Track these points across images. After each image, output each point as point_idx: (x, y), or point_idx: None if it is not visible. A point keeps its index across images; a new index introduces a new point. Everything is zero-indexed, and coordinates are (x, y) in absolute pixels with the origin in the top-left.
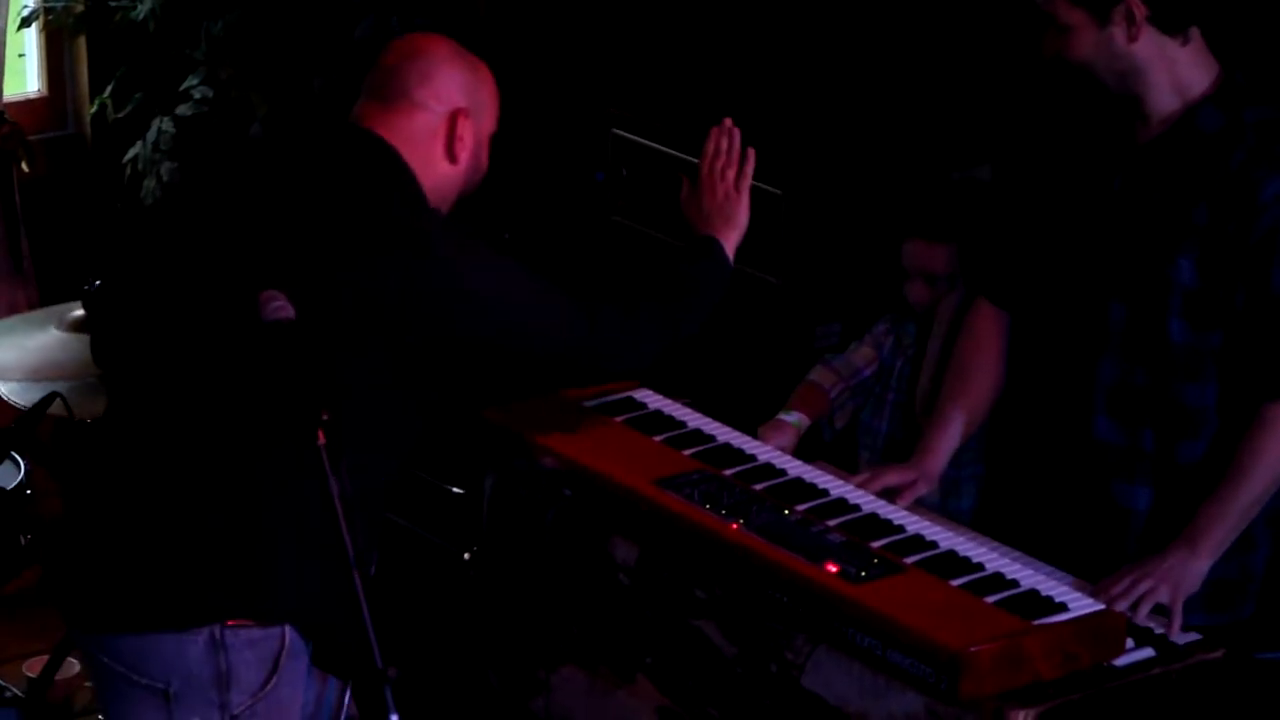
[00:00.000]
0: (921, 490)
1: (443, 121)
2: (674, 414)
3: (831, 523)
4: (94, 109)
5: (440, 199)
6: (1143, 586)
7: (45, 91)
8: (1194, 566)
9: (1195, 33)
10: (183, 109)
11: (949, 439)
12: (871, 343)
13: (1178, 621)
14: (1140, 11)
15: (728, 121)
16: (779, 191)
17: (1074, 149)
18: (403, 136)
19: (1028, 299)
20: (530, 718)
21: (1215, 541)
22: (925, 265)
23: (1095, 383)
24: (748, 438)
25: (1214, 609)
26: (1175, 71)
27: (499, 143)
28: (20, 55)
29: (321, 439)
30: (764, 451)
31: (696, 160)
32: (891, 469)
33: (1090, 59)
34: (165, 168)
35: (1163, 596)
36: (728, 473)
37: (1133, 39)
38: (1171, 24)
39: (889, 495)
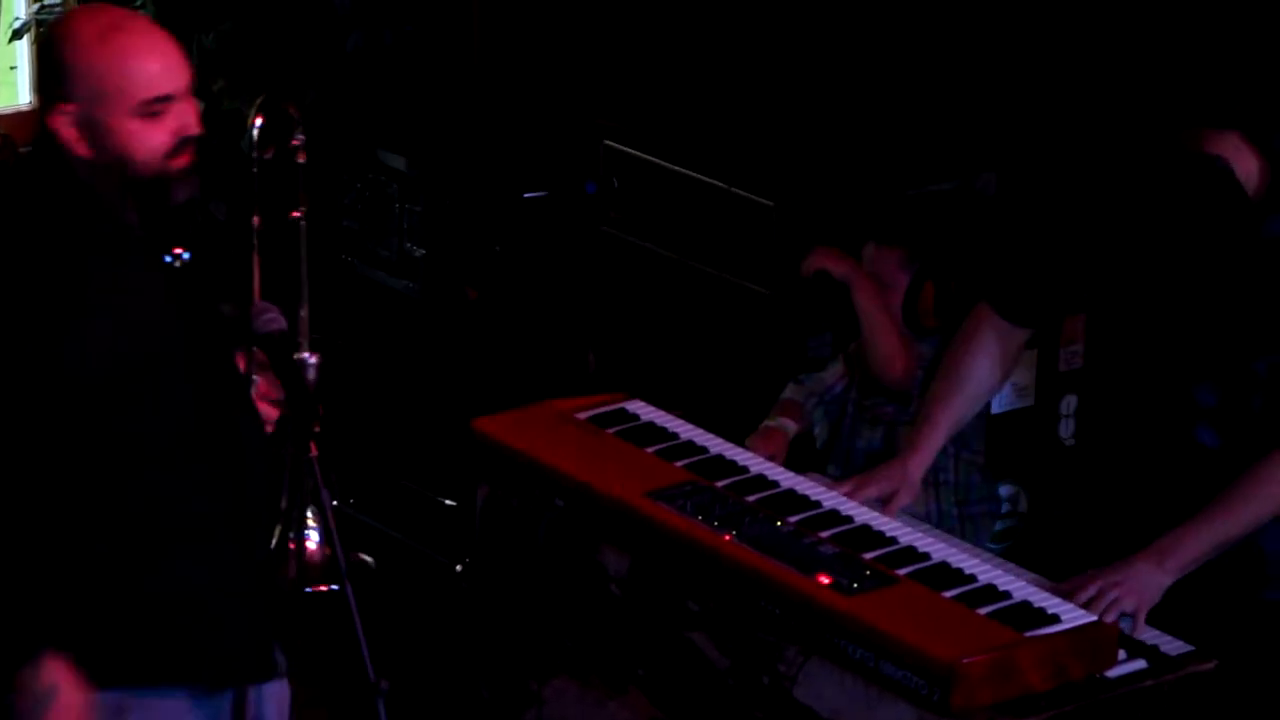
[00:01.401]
0: (905, 500)
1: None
2: (666, 425)
3: (824, 534)
4: None
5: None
6: (1110, 595)
7: (37, 103)
8: (1157, 579)
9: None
10: None
11: (931, 445)
12: (844, 359)
13: (1140, 629)
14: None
15: None
16: (770, 203)
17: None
18: None
19: (1042, 317)
20: None
21: (1184, 561)
22: (878, 269)
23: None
24: (740, 449)
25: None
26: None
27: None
28: (12, 68)
29: (314, 451)
30: (756, 463)
31: (686, 171)
32: (874, 480)
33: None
34: None
35: (1128, 606)
36: (720, 484)
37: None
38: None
39: (874, 506)
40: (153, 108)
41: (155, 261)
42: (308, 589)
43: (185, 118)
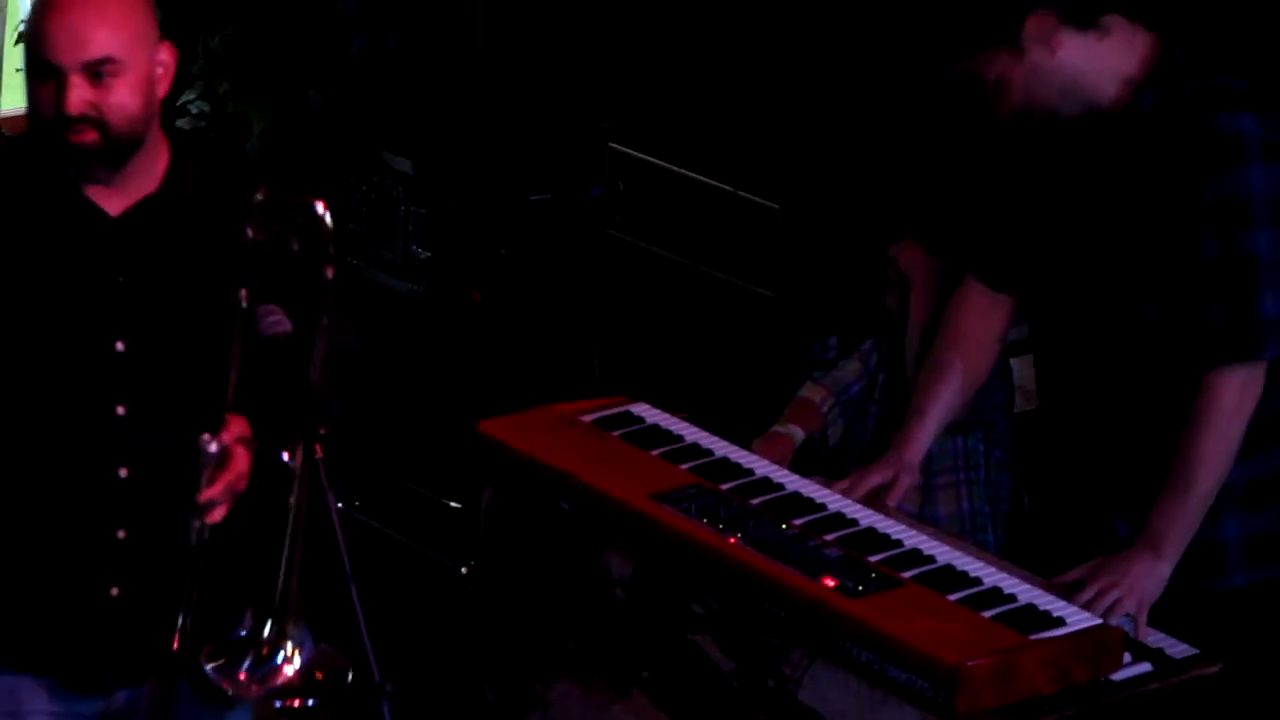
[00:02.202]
0: (906, 482)
1: None
2: (671, 428)
3: (829, 537)
4: None
5: None
6: (1110, 597)
7: None
8: (1158, 573)
9: (1112, 20)
10: (180, 123)
11: (926, 428)
12: (859, 358)
13: (1143, 631)
14: (1048, 23)
15: None
16: (776, 206)
17: (1056, 137)
18: None
19: (1026, 283)
20: None
21: (1177, 542)
22: (903, 266)
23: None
24: (745, 452)
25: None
26: (1105, 64)
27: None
28: (18, 70)
29: (319, 453)
30: (761, 465)
31: (691, 174)
32: (873, 470)
33: (1034, 95)
34: None
35: (1129, 607)
36: (725, 487)
37: (1053, 52)
38: (1082, 20)
39: (877, 495)
40: (39, 69)
41: (86, 232)
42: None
43: (61, 96)
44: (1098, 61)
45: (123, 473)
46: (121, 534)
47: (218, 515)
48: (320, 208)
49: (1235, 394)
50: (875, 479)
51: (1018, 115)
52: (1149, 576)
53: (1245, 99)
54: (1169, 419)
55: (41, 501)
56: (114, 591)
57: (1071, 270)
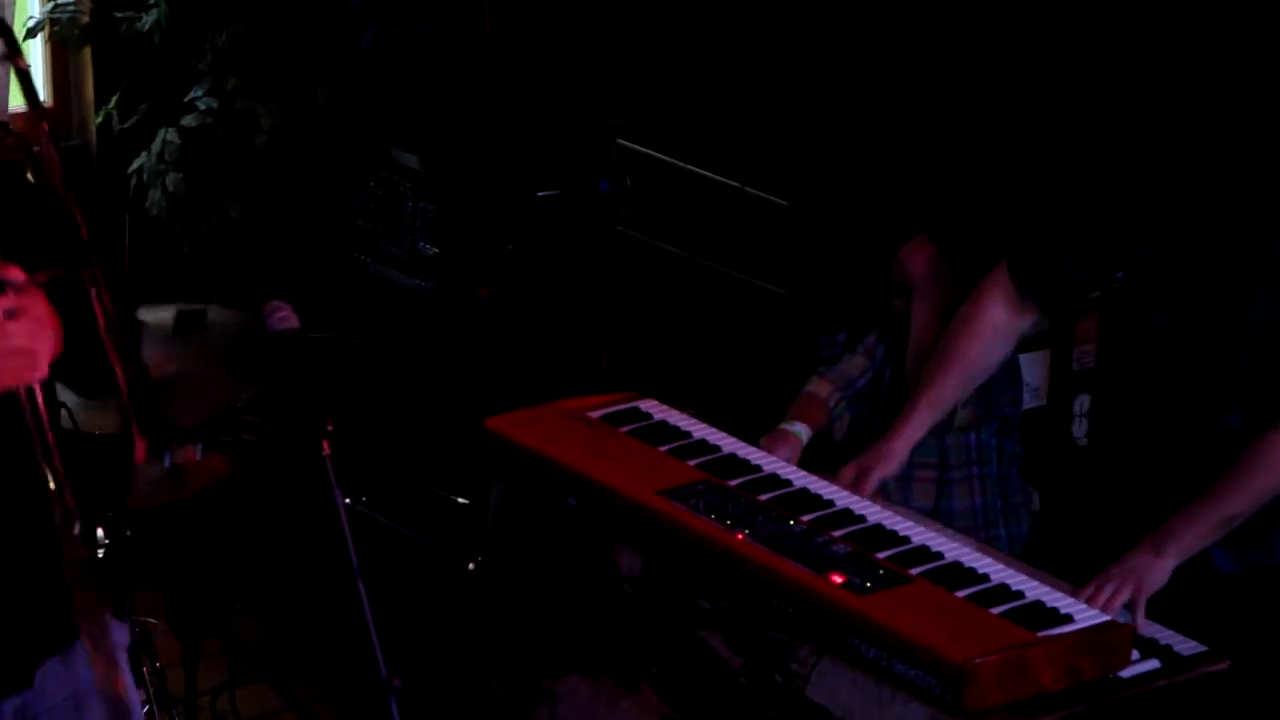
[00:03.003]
0: (883, 471)
1: None
2: (679, 424)
3: (837, 533)
4: (99, 120)
5: None
6: (1109, 588)
7: (50, 103)
8: (1158, 565)
9: None
10: (188, 120)
11: (918, 422)
12: (864, 353)
13: (1140, 618)
14: None
15: None
16: (785, 203)
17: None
18: None
19: (1075, 306)
20: None
21: (1183, 547)
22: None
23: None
24: (753, 448)
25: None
26: None
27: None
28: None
29: (326, 449)
30: (769, 462)
31: (699, 170)
32: (860, 458)
33: None
34: (171, 179)
35: (1126, 596)
36: (733, 483)
37: None
38: None
39: (858, 480)
40: None
41: None
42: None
43: None
44: None
45: None
46: None
47: None
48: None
49: None
50: (850, 470)
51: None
52: (1148, 569)
53: None
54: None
55: None
56: None
57: (1221, 329)
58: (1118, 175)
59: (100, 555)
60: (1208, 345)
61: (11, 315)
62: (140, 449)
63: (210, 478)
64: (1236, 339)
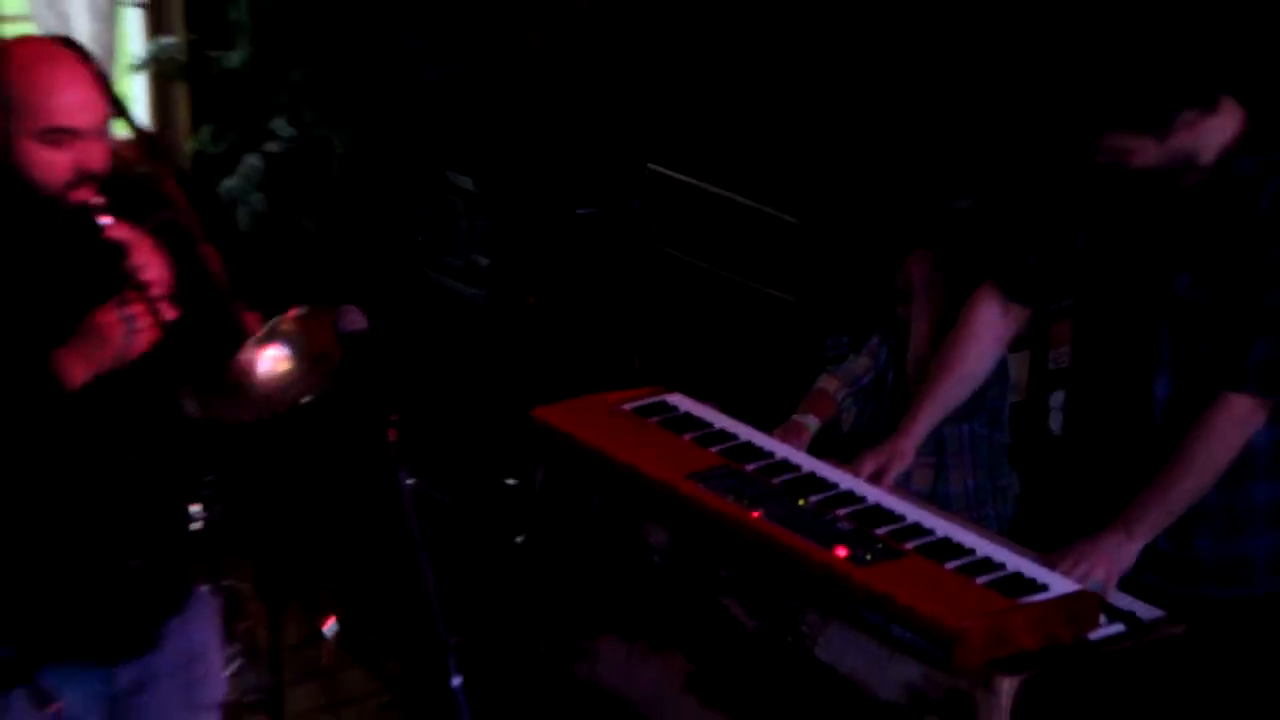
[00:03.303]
0: (896, 469)
1: None
2: (702, 416)
3: (841, 512)
4: (193, 146)
5: None
6: (1083, 567)
7: (152, 130)
8: (1128, 548)
9: (1226, 99)
10: (270, 146)
11: (924, 419)
12: (868, 353)
13: (1111, 594)
14: (1194, 114)
15: None
16: (795, 220)
17: (1120, 188)
18: None
19: (1046, 298)
20: (574, 680)
21: (1150, 526)
22: (912, 277)
23: (1152, 411)
24: (767, 437)
25: (1225, 585)
26: (1211, 130)
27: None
28: (130, 98)
29: (392, 436)
30: (781, 449)
31: (719, 192)
32: (868, 456)
33: (1154, 164)
34: (255, 199)
35: (1099, 575)
36: (749, 468)
37: (1191, 134)
38: (1209, 103)
39: (878, 476)
40: (54, 135)
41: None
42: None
43: (87, 155)
44: (1208, 137)
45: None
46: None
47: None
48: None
49: (1241, 418)
50: (869, 466)
51: (1115, 168)
52: (1119, 551)
53: None
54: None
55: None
56: (134, 562)
57: (1132, 303)
58: (1061, 192)
59: (198, 526)
60: (1137, 322)
61: (129, 323)
62: (253, 319)
63: (305, 391)
64: (1160, 312)
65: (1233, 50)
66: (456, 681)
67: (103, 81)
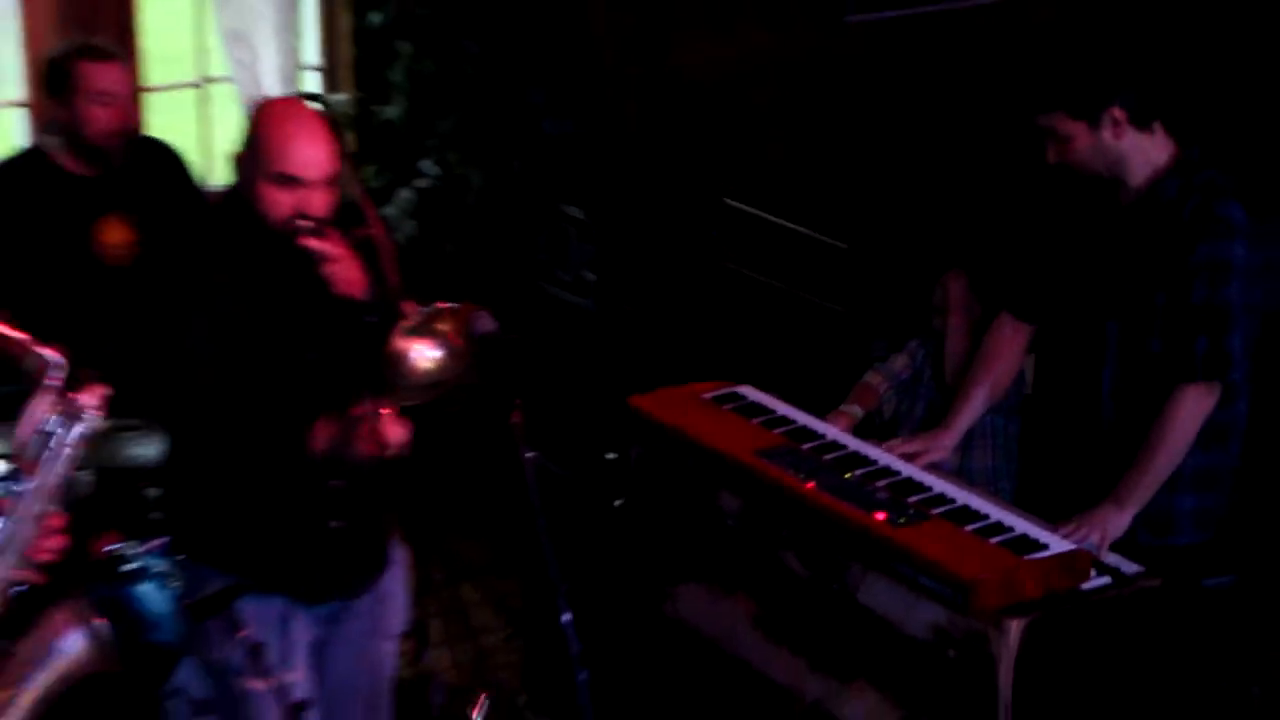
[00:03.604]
0: (934, 456)
1: None
2: (767, 404)
3: (880, 484)
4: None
5: None
6: (1082, 532)
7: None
8: (1119, 518)
9: (1158, 125)
10: (420, 183)
11: (963, 420)
12: (908, 354)
13: (1104, 554)
14: (1121, 115)
15: None
16: (844, 246)
17: (1078, 210)
18: None
19: (1047, 316)
20: (662, 618)
21: (1137, 499)
22: (949, 294)
23: (1100, 395)
24: (820, 421)
25: (1158, 535)
26: (1145, 148)
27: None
28: None
29: (516, 418)
30: (832, 432)
31: (781, 222)
32: (916, 439)
33: (1088, 159)
34: (407, 225)
35: (1095, 538)
36: (805, 447)
37: (1117, 137)
38: (1143, 121)
39: (911, 457)
40: (284, 181)
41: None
42: None
43: (307, 201)
44: (1140, 154)
45: None
46: (335, 483)
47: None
48: None
49: (1199, 403)
50: (914, 446)
51: (1065, 166)
52: (1112, 519)
53: (1233, 191)
54: (1136, 416)
55: (287, 466)
56: (332, 524)
57: (1088, 307)
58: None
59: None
60: (1089, 321)
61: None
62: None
63: (447, 380)
64: (1107, 312)
65: (1174, 87)
66: (566, 618)
67: (335, 142)
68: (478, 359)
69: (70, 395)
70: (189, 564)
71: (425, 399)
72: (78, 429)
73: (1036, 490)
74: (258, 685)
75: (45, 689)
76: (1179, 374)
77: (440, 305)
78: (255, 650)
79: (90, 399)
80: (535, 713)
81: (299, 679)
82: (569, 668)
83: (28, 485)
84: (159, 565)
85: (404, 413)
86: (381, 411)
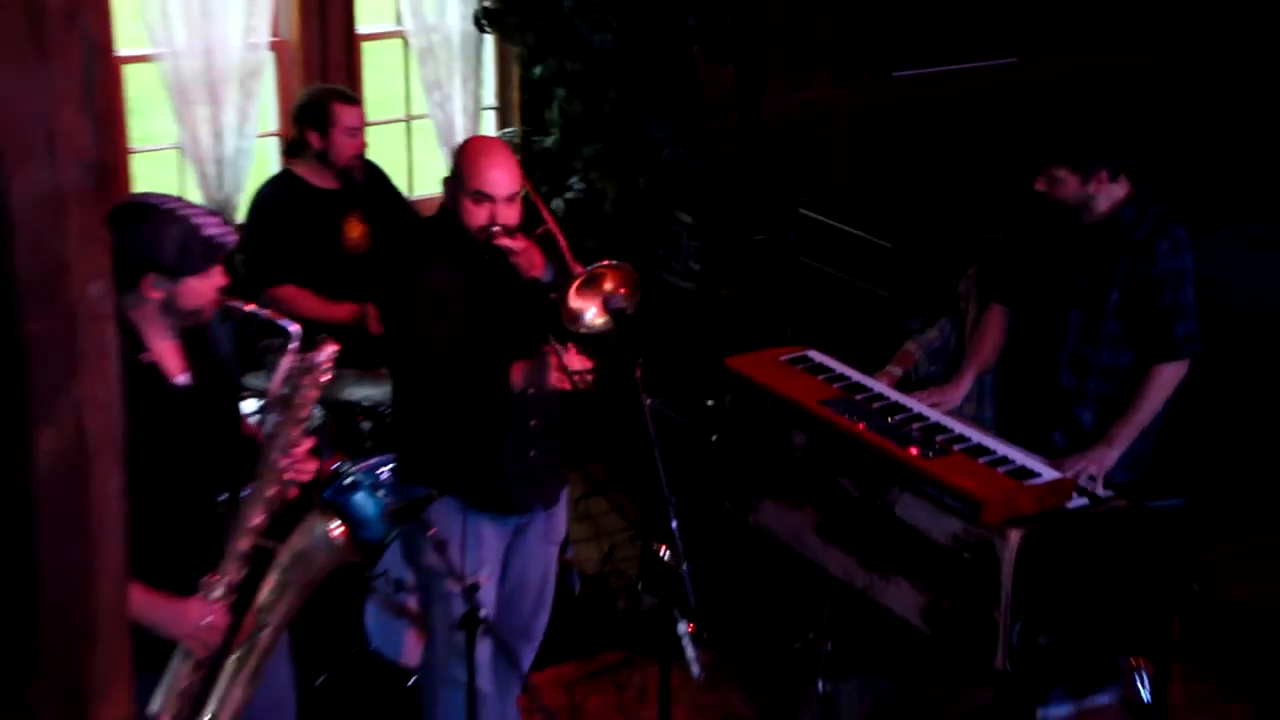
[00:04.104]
0: (947, 406)
1: None
2: (829, 364)
3: (914, 426)
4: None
5: None
6: (1079, 465)
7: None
8: (1110, 455)
9: (1121, 174)
10: (569, 195)
11: (966, 379)
12: (938, 329)
13: (1100, 486)
14: (1105, 175)
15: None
16: (889, 245)
17: (1051, 229)
18: None
19: (1024, 304)
20: (746, 525)
21: (1123, 441)
22: (970, 285)
23: (1059, 361)
24: (869, 378)
25: (1128, 474)
26: (1111, 192)
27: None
28: None
29: (639, 373)
30: (878, 386)
31: (842, 226)
32: (932, 392)
33: (1069, 196)
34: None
35: (1092, 470)
36: (858, 397)
37: (1096, 188)
38: (1115, 174)
39: (934, 406)
40: (480, 198)
41: (483, 273)
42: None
43: (499, 214)
44: (1107, 195)
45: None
46: (533, 422)
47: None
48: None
49: (1175, 374)
50: (933, 398)
51: (1057, 202)
52: (1105, 456)
53: (1175, 216)
54: (1083, 380)
55: (499, 411)
56: (531, 454)
57: (1055, 299)
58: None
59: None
60: (1053, 308)
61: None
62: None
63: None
64: (1068, 301)
65: (1132, 150)
66: (674, 524)
67: (517, 166)
68: (612, 326)
69: (310, 353)
70: (396, 481)
71: (602, 331)
72: (315, 377)
73: (1009, 431)
74: (443, 572)
75: (304, 583)
76: (1161, 355)
77: (602, 263)
78: (440, 546)
79: (324, 354)
80: (650, 595)
81: (488, 578)
82: (675, 562)
83: (283, 419)
84: (369, 480)
85: (583, 351)
86: (564, 350)
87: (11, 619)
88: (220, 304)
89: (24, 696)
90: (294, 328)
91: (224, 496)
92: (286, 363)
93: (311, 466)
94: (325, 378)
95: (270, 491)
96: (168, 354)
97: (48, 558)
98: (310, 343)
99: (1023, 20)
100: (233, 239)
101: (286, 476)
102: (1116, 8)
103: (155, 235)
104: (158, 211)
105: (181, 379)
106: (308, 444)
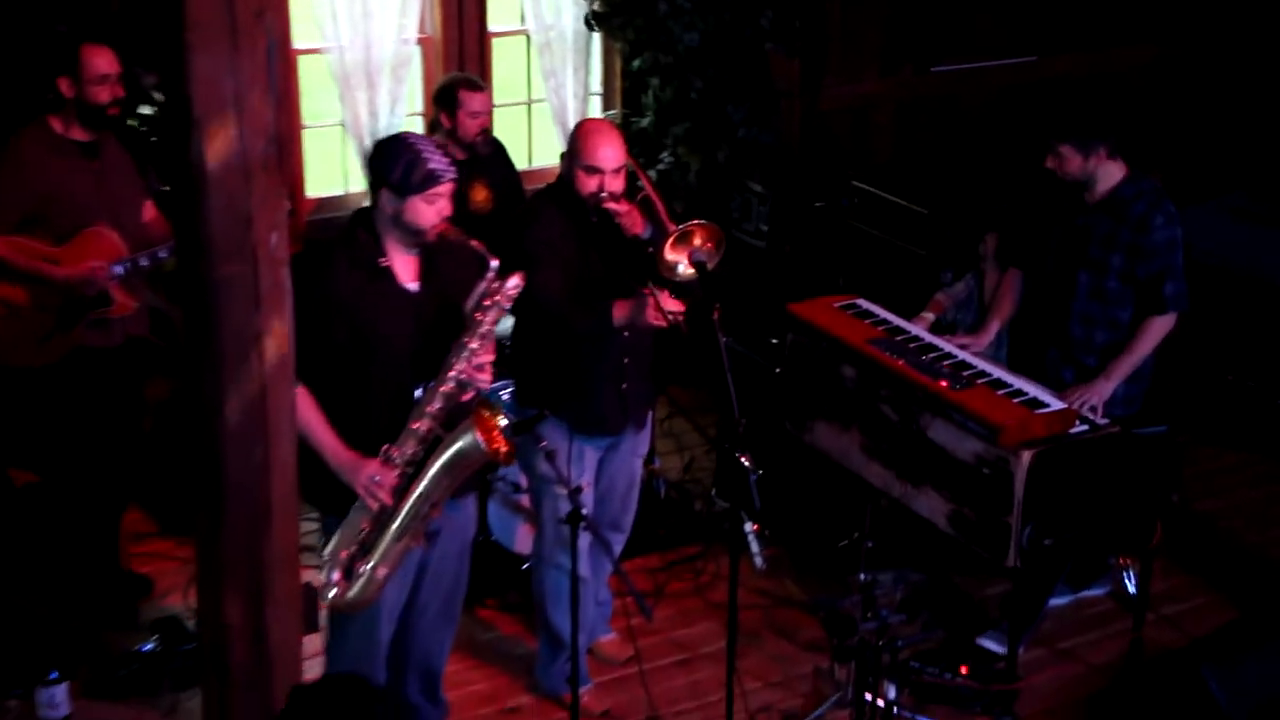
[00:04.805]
0: (976, 348)
1: None
2: (875, 310)
3: (945, 363)
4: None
5: None
6: (1081, 396)
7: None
8: (1106, 386)
9: (1119, 154)
10: (661, 167)
11: (992, 328)
12: (964, 283)
13: (1099, 416)
14: (1104, 151)
15: None
16: (926, 212)
17: (1060, 204)
18: None
19: (1039, 269)
20: (802, 442)
21: (1118, 375)
22: (990, 247)
23: (1070, 314)
24: (908, 322)
25: (1126, 410)
26: (1110, 172)
27: (797, 185)
28: None
29: (716, 314)
30: (915, 329)
31: (888, 196)
32: (966, 336)
33: (1074, 172)
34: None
35: (1093, 400)
36: (898, 338)
37: (1097, 164)
38: (1114, 155)
39: (964, 347)
40: (591, 170)
41: (590, 231)
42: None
43: (608, 183)
44: (1107, 174)
45: (625, 334)
46: (626, 360)
47: None
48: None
49: (1165, 325)
50: (966, 340)
51: (1064, 177)
52: (1103, 388)
53: (1167, 193)
54: (1091, 330)
55: (600, 346)
56: (624, 386)
57: (1066, 262)
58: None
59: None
60: (1064, 271)
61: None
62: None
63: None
64: (1077, 264)
65: (1127, 131)
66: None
67: (624, 145)
68: (695, 278)
69: (499, 281)
70: (514, 401)
71: (689, 280)
72: (500, 301)
73: (1025, 368)
74: (552, 478)
75: (455, 468)
76: (1154, 309)
77: (693, 221)
78: (550, 456)
79: (511, 284)
80: (723, 500)
81: (588, 484)
82: (745, 472)
83: (469, 332)
84: (493, 400)
85: (676, 295)
86: (660, 292)
87: (204, 505)
88: (441, 230)
89: (219, 564)
90: (494, 260)
91: (420, 390)
92: (481, 286)
93: (485, 376)
94: (509, 304)
95: (447, 388)
96: (404, 263)
97: (233, 457)
98: (503, 273)
99: (1039, 23)
100: (452, 174)
101: (464, 378)
102: (1120, 11)
103: (391, 158)
104: (400, 142)
105: (411, 286)
106: (487, 357)
